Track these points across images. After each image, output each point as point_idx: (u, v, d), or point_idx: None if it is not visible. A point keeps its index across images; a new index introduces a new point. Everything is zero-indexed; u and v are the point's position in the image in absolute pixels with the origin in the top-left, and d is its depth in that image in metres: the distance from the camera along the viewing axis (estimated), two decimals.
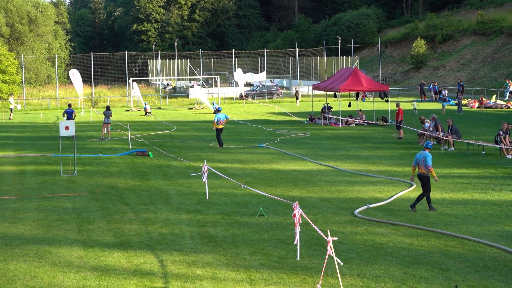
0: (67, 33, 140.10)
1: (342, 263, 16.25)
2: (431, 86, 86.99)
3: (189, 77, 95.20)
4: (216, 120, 42.08)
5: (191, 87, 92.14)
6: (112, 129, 51.89)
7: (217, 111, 44.52)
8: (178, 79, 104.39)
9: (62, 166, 33.54)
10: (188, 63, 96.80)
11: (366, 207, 25.00)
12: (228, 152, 40.43)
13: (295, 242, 18.39)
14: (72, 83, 72.97)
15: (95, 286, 16.27)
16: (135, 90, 76.27)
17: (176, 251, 19.15)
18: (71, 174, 32.87)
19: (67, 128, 32.49)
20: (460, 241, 19.89)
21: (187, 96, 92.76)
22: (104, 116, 48.28)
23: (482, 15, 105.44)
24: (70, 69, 74.82)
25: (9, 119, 65.61)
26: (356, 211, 24.16)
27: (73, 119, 47.70)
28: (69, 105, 52.78)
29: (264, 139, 46.46)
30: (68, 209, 25.09)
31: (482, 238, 20.04)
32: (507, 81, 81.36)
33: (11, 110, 66.91)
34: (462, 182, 28.04)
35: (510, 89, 78.43)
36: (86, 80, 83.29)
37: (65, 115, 49.10)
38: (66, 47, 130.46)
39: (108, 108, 49.61)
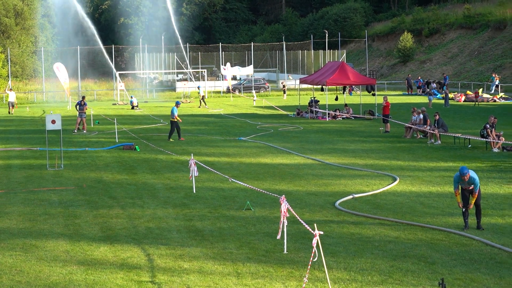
0: (54, 26, 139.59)
1: (322, 257, 16.27)
2: (419, 80, 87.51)
3: (176, 70, 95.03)
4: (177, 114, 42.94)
5: (184, 79, 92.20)
6: (98, 122, 51.90)
7: (177, 105, 44.87)
8: (165, 73, 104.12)
9: (49, 160, 33.41)
10: (175, 57, 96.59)
11: (351, 197, 25.14)
12: (215, 145, 40.40)
13: (278, 237, 18.41)
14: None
15: (81, 280, 16.22)
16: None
17: (163, 245, 19.12)
18: (58, 168, 32.76)
19: (53, 122, 32.36)
20: (446, 234, 19.94)
21: (174, 89, 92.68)
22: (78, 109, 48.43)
23: (469, 9, 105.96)
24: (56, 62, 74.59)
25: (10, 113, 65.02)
26: (338, 202, 24.26)
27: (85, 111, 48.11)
28: (83, 98, 52.36)
29: (250, 132, 46.49)
30: (55, 203, 25.02)
31: (468, 231, 20.10)
32: (493, 75, 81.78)
33: (11, 104, 66.08)
34: (449, 176, 28.05)
35: (496, 83, 78.75)
36: (73, 73, 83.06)
37: (77, 106, 48.85)
38: (53, 41, 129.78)
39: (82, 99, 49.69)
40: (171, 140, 42.61)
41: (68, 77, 71.71)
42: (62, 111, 59.15)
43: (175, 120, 42.55)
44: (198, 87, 76.28)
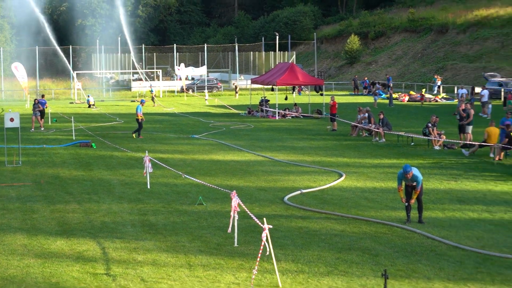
0: (13, 27, 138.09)
1: (271, 249, 16.34)
2: (365, 80, 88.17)
3: (131, 70, 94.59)
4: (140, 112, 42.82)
5: (139, 79, 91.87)
6: (55, 120, 51.51)
7: (142, 103, 44.86)
8: (122, 73, 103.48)
9: (7, 157, 33.08)
10: (131, 57, 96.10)
11: (299, 192, 25.24)
12: (169, 143, 40.29)
13: (229, 231, 18.43)
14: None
15: (38, 273, 16.10)
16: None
17: (118, 239, 19.04)
18: (16, 164, 32.40)
19: (12, 120, 32.06)
20: (389, 228, 20.13)
21: (129, 89, 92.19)
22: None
23: (413, 13, 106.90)
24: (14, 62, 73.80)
25: None
26: (286, 197, 24.33)
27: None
28: (42, 96, 51.45)
29: (203, 130, 46.45)
30: (13, 199, 24.77)
31: (410, 225, 20.30)
32: (435, 76, 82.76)
33: None
34: (392, 172, 28.30)
35: (438, 84, 79.61)
36: (31, 73, 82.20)
37: (34, 105, 48.61)
38: (11, 41, 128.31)
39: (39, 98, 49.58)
40: (136, 136, 42.36)
41: (27, 76, 70.87)
42: (20, 109, 58.56)
43: (139, 118, 42.37)
44: (151, 86, 76.16)
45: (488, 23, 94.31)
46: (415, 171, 20.29)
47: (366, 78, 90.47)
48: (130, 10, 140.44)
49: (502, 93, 66.06)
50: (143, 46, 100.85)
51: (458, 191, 25.65)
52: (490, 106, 55.86)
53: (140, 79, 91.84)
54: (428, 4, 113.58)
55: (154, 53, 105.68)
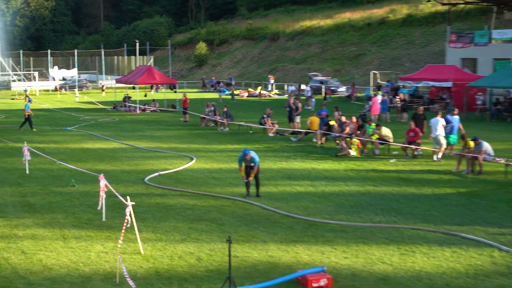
0: None
1: (134, 222, 16.16)
2: (212, 80, 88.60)
3: (11, 73, 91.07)
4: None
5: (18, 80, 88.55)
6: None
7: (29, 101, 43.40)
8: (2, 75, 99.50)
9: None
10: (10, 61, 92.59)
11: (157, 174, 25.03)
12: (45, 134, 39.02)
13: (98, 208, 18.06)
14: None
15: None
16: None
17: (0, 218, 18.28)
18: None
19: None
20: (232, 201, 20.24)
21: (9, 88, 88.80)
22: None
23: (251, 24, 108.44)
24: None
25: None
26: (146, 178, 24.11)
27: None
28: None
29: (75, 123, 45.34)
30: None
31: (249, 198, 20.49)
32: (269, 76, 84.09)
33: None
34: (235, 155, 28.40)
35: (272, 82, 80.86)
36: None
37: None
38: None
39: None
40: (34, 130, 40.74)
41: None
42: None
43: (27, 114, 40.89)
44: (25, 87, 73.81)
45: (311, 32, 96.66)
46: (253, 154, 20.48)
47: (213, 78, 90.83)
48: (9, 20, 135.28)
49: (323, 89, 68.34)
50: (21, 51, 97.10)
51: (288, 170, 26.10)
52: (313, 100, 57.38)
53: (19, 80, 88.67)
54: (263, 16, 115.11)
55: (31, 58, 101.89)
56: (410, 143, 28.93)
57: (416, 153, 28.93)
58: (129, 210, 13.97)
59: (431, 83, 52.66)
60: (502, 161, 25.00)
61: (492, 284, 12.74)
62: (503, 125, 41.69)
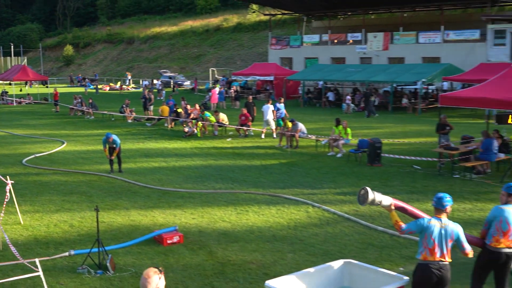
0: None
1: (14, 198, 15.82)
2: (78, 76, 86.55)
3: None
4: None
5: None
6: None
7: None
8: None
9: None
10: None
11: (33, 156, 24.33)
12: None
13: None
14: None
15: None
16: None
17: None
18: None
19: None
20: (99, 177, 20.15)
21: None
22: None
23: (110, 30, 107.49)
24: None
25: None
26: (24, 160, 23.44)
27: None
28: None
29: None
30: None
31: (114, 174, 20.46)
32: (127, 73, 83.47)
33: None
34: (99, 139, 28.05)
35: (129, 78, 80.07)
36: None
37: None
38: None
39: None
40: None
41: None
42: None
43: None
44: None
45: (161, 36, 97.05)
46: (114, 137, 20.49)
47: (80, 75, 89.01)
48: None
49: (172, 83, 68.67)
50: None
51: (145, 149, 26.19)
52: (163, 92, 57.84)
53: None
54: (120, 23, 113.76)
55: None
56: (242, 125, 29.95)
57: (247, 133, 29.96)
58: (9, 187, 13.70)
59: (258, 77, 55.36)
60: (313, 137, 26.55)
61: (308, 233, 13.53)
62: (313, 109, 44.17)
